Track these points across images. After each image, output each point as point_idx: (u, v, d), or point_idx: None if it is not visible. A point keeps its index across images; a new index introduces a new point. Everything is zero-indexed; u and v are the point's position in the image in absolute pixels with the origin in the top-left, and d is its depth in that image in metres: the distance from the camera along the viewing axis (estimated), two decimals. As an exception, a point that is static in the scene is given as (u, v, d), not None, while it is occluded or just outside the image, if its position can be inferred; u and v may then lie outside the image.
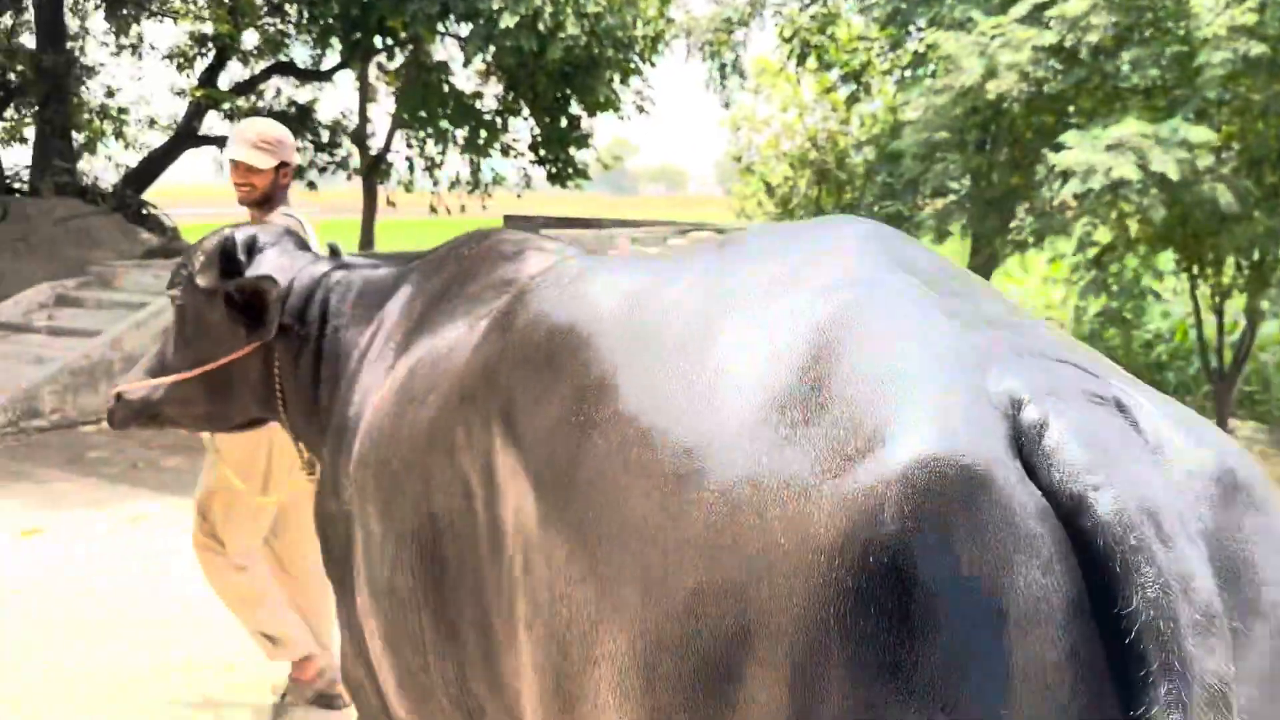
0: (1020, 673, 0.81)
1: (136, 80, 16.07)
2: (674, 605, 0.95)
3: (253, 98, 17.89)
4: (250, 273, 2.49)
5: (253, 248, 2.56)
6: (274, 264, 2.50)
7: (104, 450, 7.79)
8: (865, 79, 14.01)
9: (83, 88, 17.00)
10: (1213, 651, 0.81)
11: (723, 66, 15.32)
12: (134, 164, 17.24)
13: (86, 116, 17.79)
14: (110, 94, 18.71)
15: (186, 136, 17.38)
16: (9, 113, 16.73)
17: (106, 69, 18.45)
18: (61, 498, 6.52)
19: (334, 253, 2.69)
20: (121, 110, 18.76)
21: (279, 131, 3.43)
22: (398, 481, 1.64)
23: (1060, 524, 0.85)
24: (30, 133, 16.06)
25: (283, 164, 3.37)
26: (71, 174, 14.27)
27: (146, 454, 7.66)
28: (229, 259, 2.53)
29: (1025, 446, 0.87)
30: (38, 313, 10.06)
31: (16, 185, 13.88)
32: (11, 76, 16.48)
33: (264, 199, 3.40)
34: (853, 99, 14.43)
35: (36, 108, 14.94)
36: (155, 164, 17.14)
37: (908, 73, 12.46)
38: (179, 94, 18.49)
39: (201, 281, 2.49)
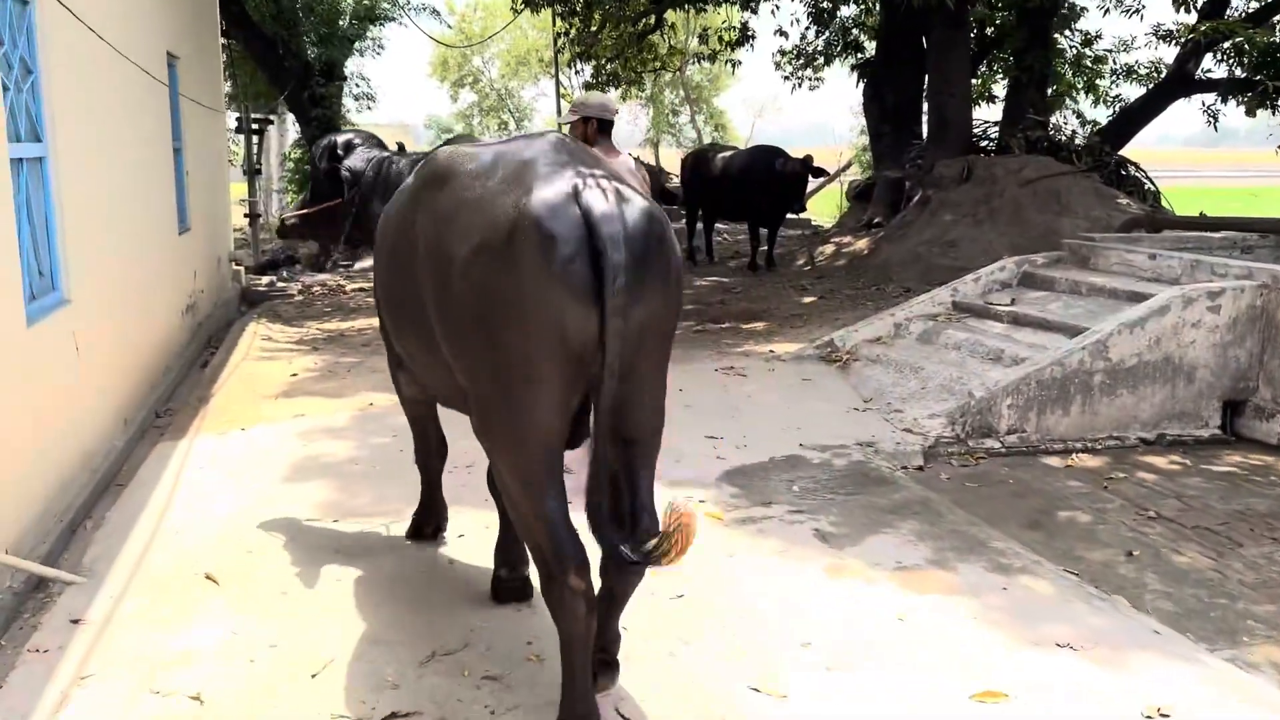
0: (578, 266, 2.83)
1: (1124, 16, 13.32)
2: (476, 233, 2.99)
3: (1273, 23, 13.89)
4: (346, 163, 4.93)
5: (350, 146, 4.95)
6: (357, 156, 4.90)
7: (950, 512, 5.38)
8: None
9: (1064, 34, 15.02)
10: (620, 254, 2.79)
11: None
12: (1112, 117, 14.72)
13: (1061, 68, 15.83)
14: (1088, 41, 16.47)
15: (1177, 83, 14.25)
16: (981, 68, 15.59)
17: (1088, 15, 16.24)
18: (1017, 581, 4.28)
19: (401, 149, 5.25)
20: (1098, 59, 16.40)
21: (581, 97, 5.71)
22: (393, 240, 3.71)
23: (584, 220, 2.85)
24: (1000, 89, 14.66)
25: (585, 119, 5.34)
26: (1045, 128, 12.25)
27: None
28: (333, 152, 4.97)
29: (577, 200, 2.88)
30: (999, 294, 8.14)
31: (984, 144, 12.37)
32: (989, 31, 15.27)
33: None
34: None
35: (1012, 57, 13.27)
36: (1134, 117, 14.38)
37: None
38: (1161, 36, 15.41)
39: (321, 165, 5.08)
